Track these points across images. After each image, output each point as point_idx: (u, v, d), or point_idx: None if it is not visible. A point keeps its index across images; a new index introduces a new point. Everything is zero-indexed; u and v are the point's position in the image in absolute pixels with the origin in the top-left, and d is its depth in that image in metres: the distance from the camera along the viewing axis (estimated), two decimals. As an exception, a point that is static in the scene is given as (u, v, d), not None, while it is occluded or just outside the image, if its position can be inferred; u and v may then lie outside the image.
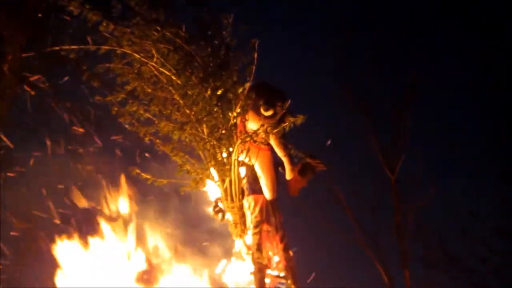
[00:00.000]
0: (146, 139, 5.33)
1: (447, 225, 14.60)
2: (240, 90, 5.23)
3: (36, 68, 6.26)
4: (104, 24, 5.01)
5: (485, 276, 14.03)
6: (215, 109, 5.20)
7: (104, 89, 5.37)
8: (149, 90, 5.26)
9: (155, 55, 5.11)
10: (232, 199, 5.41)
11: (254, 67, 5.12)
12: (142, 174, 5.36)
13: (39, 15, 5.74)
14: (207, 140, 5.27)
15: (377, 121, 14.55)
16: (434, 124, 14.70)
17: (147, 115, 5.29)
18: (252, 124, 5.43)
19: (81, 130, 6.54)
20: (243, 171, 5.61)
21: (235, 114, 5.25)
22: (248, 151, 5.39)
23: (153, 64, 5.13)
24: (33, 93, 6.55)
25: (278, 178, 5.72)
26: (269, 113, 5.40)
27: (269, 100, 5.41)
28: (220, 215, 5.63)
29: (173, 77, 5.15)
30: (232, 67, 5.28)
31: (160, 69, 5.14)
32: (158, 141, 5.35)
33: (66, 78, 6.71)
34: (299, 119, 5.12)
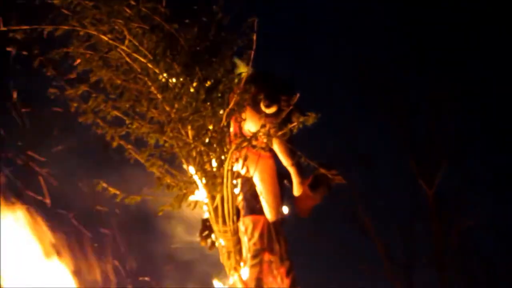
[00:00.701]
0: (114, 144, 5.27)
1: (498, 251, 14.61)
2: (235, 81, 5.20)
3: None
4: (61, -4, 5.01)
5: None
6: (203, 106, 5.13)
7: (61, 80, 5.31)
8: (119, 82, 5.21)
9: (127, 36, 5.06)
10: (224, 221, 5.36)
11: (252, 52, 5.07)
12: (110, 188, 5.33)
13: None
14: (192, 146, 5.21)
15: (411, 121, 14.56)
16: (483, 123, 14.65)
17: (116, 113, 5.24)
18: (250, 125, 5.39)
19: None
20: (238, 185, 5.55)
21: (228, 111, 5.18)
22: (245, 159, 5.34)
23: (124, 48, 5.08)
24: None
25: (283, 194, 5.69)
26: (272, 110, 5.38)
27: (272, 93, 5.38)
28: (209, 241, 5.61)
29: (149, 64, 5.11)
30: (225, 52, 5.24)
31: (133, 54, 5.10)
32: (130, 146, 5.30)
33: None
34: (311, 119, 5.04)
